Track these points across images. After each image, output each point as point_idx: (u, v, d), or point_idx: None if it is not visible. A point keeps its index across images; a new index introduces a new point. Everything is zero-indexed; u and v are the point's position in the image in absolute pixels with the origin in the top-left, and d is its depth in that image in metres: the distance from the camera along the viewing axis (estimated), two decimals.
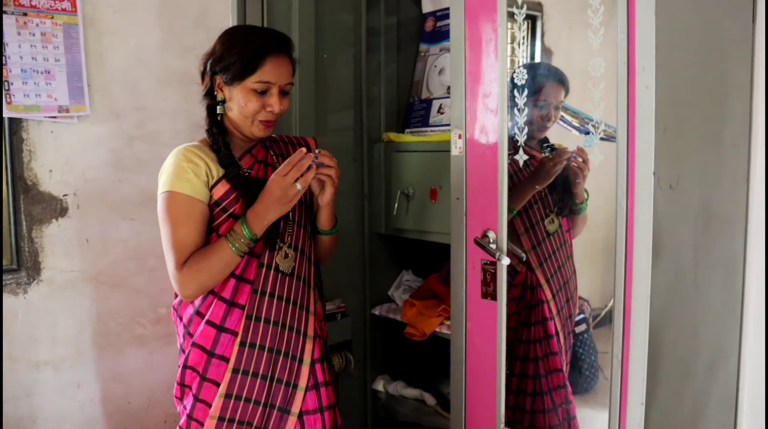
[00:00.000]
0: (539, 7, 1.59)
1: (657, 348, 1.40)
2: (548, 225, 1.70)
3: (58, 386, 2.63)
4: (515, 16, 1.58)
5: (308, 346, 1.71)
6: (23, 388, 2.54)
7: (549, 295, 1.71)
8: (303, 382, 1.69)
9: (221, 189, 1.60)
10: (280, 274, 1.65)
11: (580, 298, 1.70)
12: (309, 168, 1.56)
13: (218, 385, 1.62)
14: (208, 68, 1.64)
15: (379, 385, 2.51)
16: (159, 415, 2.90)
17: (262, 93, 1.60)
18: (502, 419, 1.66)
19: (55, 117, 2.51)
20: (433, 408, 2.33)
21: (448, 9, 1.82)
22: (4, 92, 2.38)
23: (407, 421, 2.40)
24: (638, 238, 1.37)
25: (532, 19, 1.60)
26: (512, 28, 1.59)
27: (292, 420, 1.68)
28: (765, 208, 1.61)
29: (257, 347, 1.63)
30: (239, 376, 1.62)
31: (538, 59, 1.67)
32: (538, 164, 1.64)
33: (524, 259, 1.65)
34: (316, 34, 2.30)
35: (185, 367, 1.65)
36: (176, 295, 1.70)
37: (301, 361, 1.70)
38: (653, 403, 1.41)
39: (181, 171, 1.58)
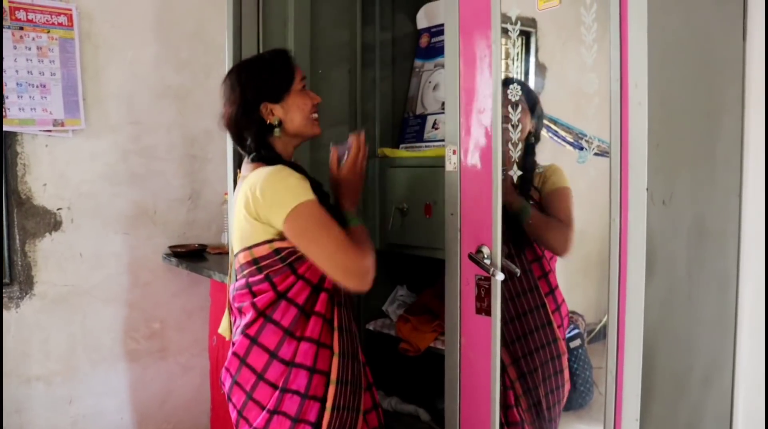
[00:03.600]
0: (533, 24, 1.60)
1: (651, 363, 1.40)
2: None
3: (49, 401, 2.61)
4: (509, 33, 1.59)
5: (358, 347, 1.79)
6: (13, 403, 2.53)
7: None
8: (365, 381, 1.78)
9: None
10: None
11: (575, 313, 1.70)
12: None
13: (319, 399, 1.63)
14: (251, 103, 1.69)
15: None
16: None
17: (303, 91, 1.74)
18: None
19: (50, 131, 2.52)
20: (428, 424, 2.32)
21: (442, 25, 1.84)
22: None
23: None
24: (632, 253, 1.37)
25: (526, 35, 1.61)
26: (506, 44, 1.60)
27: (360, 418, 1.75)
28: (765, 222, 1.62)
29: (346, 356, 1.69)
30: (340, 386, 1.66)
31: (532, 75, 1.68)
32: None
33: (518, 274, 1.65)
34: (311, 49, 2.32)
35: (285, 391, 1.62)
36: (251, 324, 1.64)
37: (359, 361, 1.77)
38: (648, 419, 1.41)
39: (302, 183, 1.62)
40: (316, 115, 1.76)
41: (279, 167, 1.63)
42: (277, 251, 1.61)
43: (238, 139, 1.75)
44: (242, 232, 1.65)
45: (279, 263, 1.62)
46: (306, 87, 1.76)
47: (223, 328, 1.89)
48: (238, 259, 1.69)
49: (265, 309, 1.62)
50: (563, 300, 1.65)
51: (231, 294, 1.74)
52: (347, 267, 1.58)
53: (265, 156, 1.70)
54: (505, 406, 1.69)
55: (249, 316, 1.64)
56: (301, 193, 1.59)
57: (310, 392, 1.62)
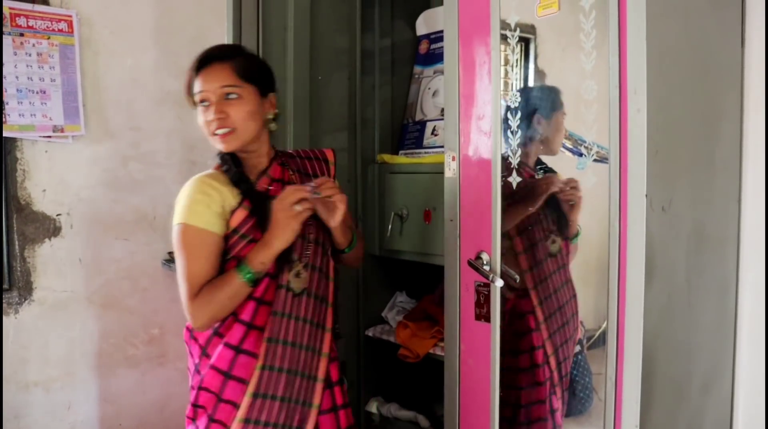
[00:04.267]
0: (532, 30, 1.61)
1: (651, 369, 1.40)
2: (551, 245, 1.68)
3: (48, 407, 2.60)
4: (508, 39, 1.59)
5: (323, 365, 1.70)
6: (12, 409, 2.52)
7: (541, 318, 1.70)
8: (317, 400, 1.68)
9: (239, 216, 1.60)
10: (293, 294, 1.64)
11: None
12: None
13: (236, 406, 1.61)
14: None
15: (373, 407, 2.50)
16: None
17: (207, 105, 1.61)
18: None
19: (49, 136, 2.52)
20: None
21: (442, 32, 1.84)
22: None
23: None
24: (631, 259, 1.38)
25: (525, 42, 1.61)
26: (505, 51, 1.61)
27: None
28: (765, 228, 1.62)
29: (277, 370, 1.62)
30: (259, 400, 1.60)
31: (531, 81, 1.68)
32: (529, 185, 1.64)
33: (517, 280, 1.65)
34: (311, 56, 2.32)
35: (200, 388, 1.63)
36: None
37: (315, 379, 1.69)
38: (647, 425, 1.41)
39: (194, 203, 1.59)
40: (218, 131, 1.60)
41: (200, 179, 1.63)
42: None
43: None
44: None
45: None
46: (209, 103, 1.61)
47: None
48: None
49: None
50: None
51: None
52: (183, 299, 1.59)
53: (219, 156, 1.69)
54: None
55: None
56: (187, 213, 1.59)
57: (224, 396, 1.61)
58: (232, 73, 1.62)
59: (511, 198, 1.65)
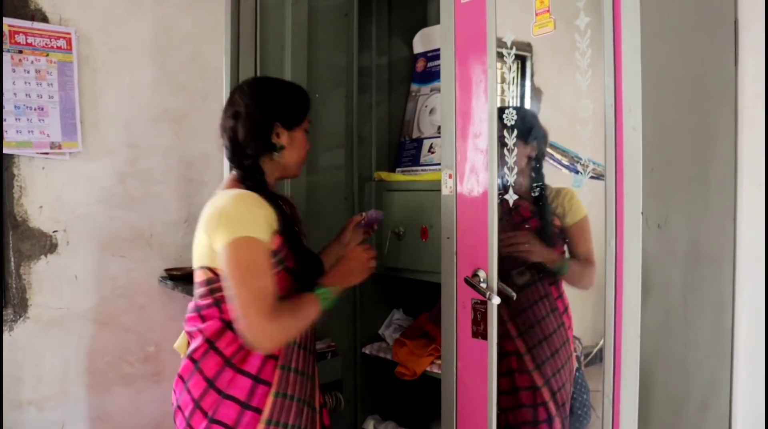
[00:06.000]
0: (529, 48, 1.62)
1: (648, 387, 1.40)
2: (516, 277, 1.68)
3: (41, 427, 2.58)
4: (504, 57, 1.60)
5: (317, 393, 1.76)
6: (5, 428, 2.50)
7: (523, 350, 1.68)
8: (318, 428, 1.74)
9: (277, 240, 1.57)
10: None
11: (573, 337, 1.70)
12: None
13: None
14: (265, 117, 1.66)
15: (370, 426, 2.48)
16: None
17: (306, 133, 1.76)
18: None
19: (47, 153, 2.52)
20: None
21: (438, 50, 1.85)
22: None
23: None
24: (627, 276, 1.38)
25: (521, 60, 1.62)
26: (502, 69, 1.62)
27: None
28: (766, 245, 1.62)
29: (288, 398, 1.62)
30: (272, 427, 1.59)
31: (528, 99, 1.69)
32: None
33: (514, 298, 1.65)
34: (308, 73, 2.33)
35: (213, 422, 1.56)
36: (197, 349, 1.59)
37: (314, 409, 1.73)
38: None
39: (258, 217, 1.53)
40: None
41: (250, 195, 1.57)
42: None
43: (235, 150, 1.68)
44: (201, 248, 1.59)
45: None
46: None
47: (179, 345, 1.81)
48: (196, 275, 1.63)
49: (211, 336, 1.57)
50: (568, 303, 1.67)
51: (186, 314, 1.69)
52: (249, 322, 1.48)
53: (250, 176, 1.66)
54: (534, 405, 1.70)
55: (197, 341, 1.60)
56: (252, 227, 1.51)
57: (240, 427, 1.56)
58: None
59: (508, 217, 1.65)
